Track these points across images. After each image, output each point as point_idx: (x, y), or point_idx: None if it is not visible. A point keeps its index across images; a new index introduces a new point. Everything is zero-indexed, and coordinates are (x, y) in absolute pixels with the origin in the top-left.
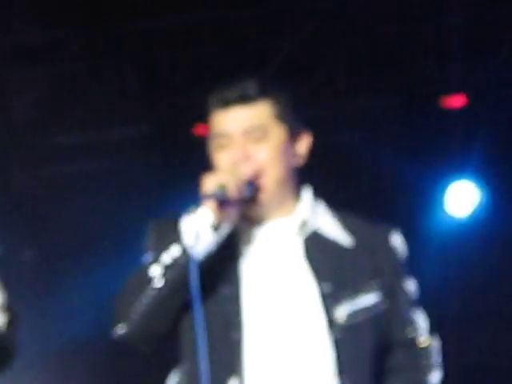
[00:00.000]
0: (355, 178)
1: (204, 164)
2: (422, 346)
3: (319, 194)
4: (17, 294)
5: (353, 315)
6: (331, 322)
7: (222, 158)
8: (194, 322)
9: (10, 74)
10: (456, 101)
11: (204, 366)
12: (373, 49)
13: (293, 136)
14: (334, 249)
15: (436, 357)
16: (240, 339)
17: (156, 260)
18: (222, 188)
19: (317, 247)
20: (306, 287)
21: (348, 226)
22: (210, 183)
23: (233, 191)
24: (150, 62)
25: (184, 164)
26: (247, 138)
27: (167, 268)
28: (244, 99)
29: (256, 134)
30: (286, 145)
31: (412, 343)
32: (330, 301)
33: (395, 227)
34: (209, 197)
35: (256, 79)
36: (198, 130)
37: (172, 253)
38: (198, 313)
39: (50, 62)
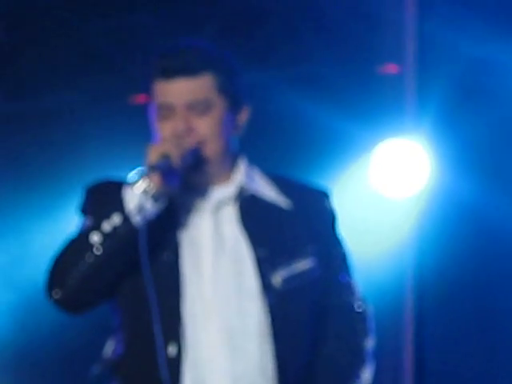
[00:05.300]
0: (290, 142)
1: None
2: (358, 310)
3: (254, 158)
4: None
5: (288, 280)
6: (267, 287)
7: (165, 128)
8: (139, 291)
9: None
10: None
11: (157, 329)
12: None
13: (234, 108)
14: (271, 211)
15: (371, 322)
16: (178, 305)
17: (96, 227)
18: (166, 158)
19: (253, 211)
20: (242, 253)
21: (284, 189)
22: (153, 153)
23: (177, 160)
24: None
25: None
26: (190, 110)
27: (107, 236)
28: (187, 71)
29: (199, 107)
30: (228, 117)
31: (348, 307)
32: (265, 266)
33: (329, 191)
34: (153, 167)
35: (199, 49)
36: (136, 99)
37: (113, 221)
38: (149, 281)
39: None
